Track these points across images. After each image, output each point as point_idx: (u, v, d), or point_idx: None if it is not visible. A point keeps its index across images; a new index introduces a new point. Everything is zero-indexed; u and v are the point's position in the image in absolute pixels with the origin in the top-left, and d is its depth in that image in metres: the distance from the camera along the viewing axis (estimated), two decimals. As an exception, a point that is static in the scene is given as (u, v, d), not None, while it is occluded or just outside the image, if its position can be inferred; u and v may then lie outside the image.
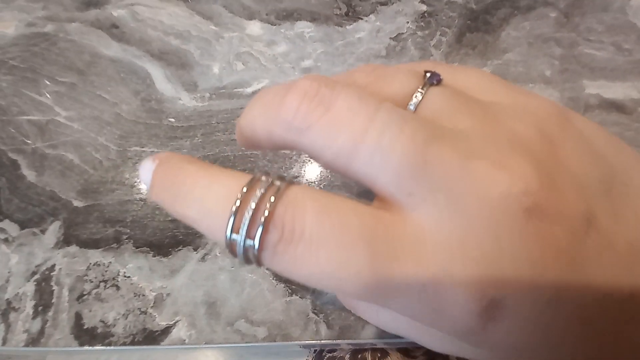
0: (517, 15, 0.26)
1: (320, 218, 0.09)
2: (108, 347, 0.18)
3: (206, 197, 0.10)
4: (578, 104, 0.23)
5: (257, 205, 0.09)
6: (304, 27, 0.27)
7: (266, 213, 0.09)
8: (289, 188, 0.10)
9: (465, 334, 0.10)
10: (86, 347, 0.18)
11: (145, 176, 0.11)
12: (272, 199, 0.09)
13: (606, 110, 0.23)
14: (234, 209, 0.09)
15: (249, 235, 0.09)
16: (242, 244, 0.09)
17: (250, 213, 0.09)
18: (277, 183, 0.10)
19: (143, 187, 0.23)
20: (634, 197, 0.11)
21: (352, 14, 0.27)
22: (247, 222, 0.09)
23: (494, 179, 0.09)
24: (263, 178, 0.10)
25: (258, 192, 0.09)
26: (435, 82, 0.12)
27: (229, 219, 0.09)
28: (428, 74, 0.12)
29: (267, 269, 0.20)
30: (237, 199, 0.09)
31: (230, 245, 0.10)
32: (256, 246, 0.09)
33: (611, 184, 0.10)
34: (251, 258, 0.10)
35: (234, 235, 0.10)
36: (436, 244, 0.09)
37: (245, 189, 0.10)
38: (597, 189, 0.10)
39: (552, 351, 0.10)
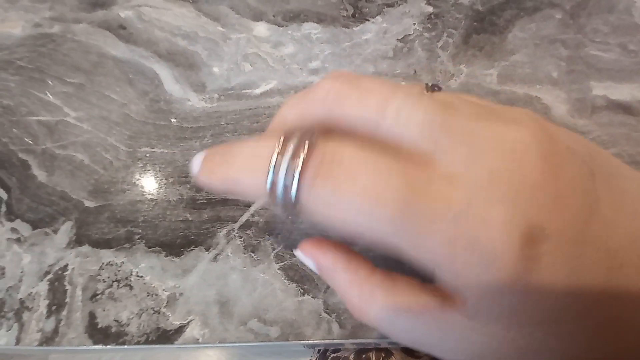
0: (523, 17, 0.26)
1: (357, 153, 0.10)
2: (123, 347, 0.18)
3: (251, 151, 0.11)
4: (585, 105, 0.23)
5: (298, 143, 0.10)
6: (311, 28, 0.27)
7: (307, 147, 0.10)
8: (324, 136, 0.11)
9: (505, 276, 0.09)
10: (100, 346, 0.18)
11: (196, 164, 0.13)
12: (309, 142, 0.10)
13: (613, 111, 0.23)
14: (277, 150, 0.11)
15: (290, 168, 0.10)
16: (283, 176, 0.10)
17: (292, 148, 0.10)
18: (314, 134, 0.11)
19: (154, 187, 0.23)
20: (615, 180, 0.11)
21: (359, 16, 0.27)
22: (289, 154, 0.10)
23: (508, 129, 0.10)
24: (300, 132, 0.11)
25: (297, 137, 0.11)
26: (436, 89, 0.13)
27: (271, 158, 0.11)
28: (429, 84, 0.13)
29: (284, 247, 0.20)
30: (277, 146, 0.11)
31: (272, 186, 0.11)
32: (297, 174, 0.10)
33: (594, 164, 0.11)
34: (291, 195, 0.10)
35: (275, 176, 0.10)
36: (466, 183, 0.10)
37: (282, 139, 0.11)
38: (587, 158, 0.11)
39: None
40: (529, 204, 0.10)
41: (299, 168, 0.10)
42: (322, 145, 0.10)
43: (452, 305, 0.11)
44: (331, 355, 0.34)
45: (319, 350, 0.37)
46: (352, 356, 0.32)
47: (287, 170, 0.10)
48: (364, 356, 0.31)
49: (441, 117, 0.10)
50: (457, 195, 0.10)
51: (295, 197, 0.10)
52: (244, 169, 0.11)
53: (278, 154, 0.11)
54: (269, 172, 0.10)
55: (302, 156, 0.10)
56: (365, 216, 0.10)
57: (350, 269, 0.13)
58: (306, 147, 0.10)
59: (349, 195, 0.10)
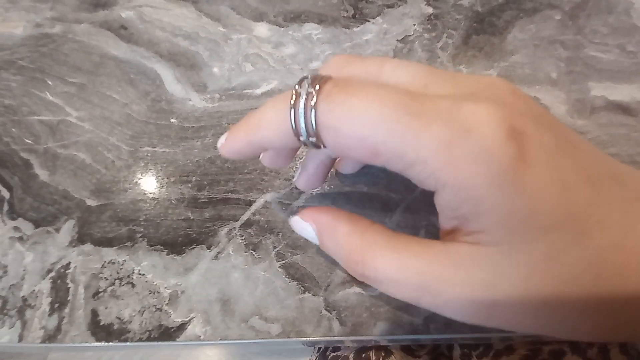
0: (523, 18, 0.26)
1: (364, 81, 0.12)
2: (125, 344, 0.18)
3: (270, 101, 0.13)
4: (584, 105, 0.23)
5: (313, 79, 0.12)
6: (312, 29, 0.27)
7: (321, 80, 0.12)
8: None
9: (498, 164, 0.10)
10: (103, 343, 0.19)
11: (222, 139, 0.15)
12: (322, 77, 0.12)
13: (612, 112, 0.23)
14: (294, 90, 0.12)
15: (309, 95, 0.12)
16: (302, 103, 0.12)
17: (309, 81, 0.12)
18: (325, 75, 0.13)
19: (156, 186, 0.23)
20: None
21: (359, 16, 0.28)
22: (306, 86, 0.12)
23: (484, 76, 0.13)
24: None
25: (311, 76, 0.12)
26: None
27: (292, 94, 0.12)
28: None
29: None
30: (294, 88, 0.12)
31: (294, 116, 0.12)
32: (314, 95, 0.12)
33: None
34: (311, 119, 0.12)
35: (296, 106, 0.12)
36: (455, 96, 0.12)
37: (297, 82, 0.12)
38: None
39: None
40: (510, 111, 0.11)
41: (316, 91, 0.12)
42: (334, 78, 0.12)
43: (455, 237, 0.11)
44: (331, 355, 0.34)
45: (319, 349, 0.37)
46: (352, 355, 0.32)
47: (305, 97, 0.12)
48: (363, 355, 0.31)
49: (429, 70, 0.13)
50: (448, 102, 0.11)
51: (315, 117, 0.12)
52: (265, 112, 0.13)
53: (295, 91, 0.12)
54: (290, 106, 0.12)
55: (317, 85, 0.12)
56: (374, 121, 0.11)
57: (351, 221, 0.13)
58: (320, 80, 0.12)
59: (360, 104, 0.11)
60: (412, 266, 0.11)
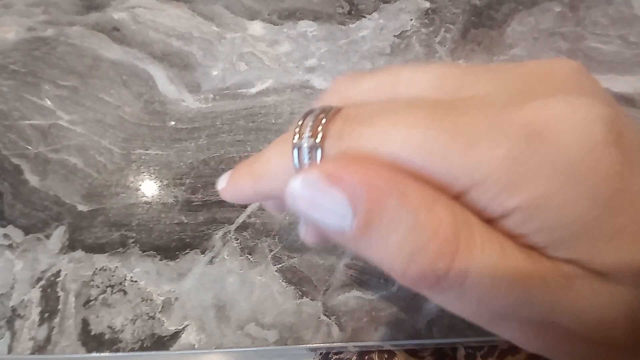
0: (522, 10, 0.26)
1: (386, 109, 0.09)
2: (117, 354, 0.18)
3: (275, 142, 0.11)
4: (587, 98, 0.23)
5: (319, 112, 0.10)
6: (307, 26, 0.27)
7: (328, 112, 0.10)
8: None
9: (603, 175, 0.08)
10: (94, 354, 0.18)
11: (223, 180, 0.12)
12: (329, 110, 0.10)
13: (616, 103, 0.22)
14: (298, 124, 0.10)
15: (314, 129, 0.10)
16: (307, 136, 0.10)
17: (314, 114, 0.10)
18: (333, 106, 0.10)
19: (148, 189, 0.22)
20: None
21: (355, 12, 0.27)
22: (312, 118, 0.10)
23: (520, 63, 0.11)
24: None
25: (316, 109, 0.10)
26: None
27: (294, 132, 0.10)
28: None
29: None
30: (298, 123, 0.10)
31: (298, 149, 0.10)
32: (320, 130, 0.09)
33: None
34: (314, 151, 0.10)
35: (299, 143, 0.10)
36: (505, 95, 0.09)
37: (302, 117, 0.10)
38: None
39: None
40: (591, 102, 0.08)
41: (322, 130, 0.09)
42: (342, 108, 0.10)
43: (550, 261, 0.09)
44: (334, 357, 0.33)
45: (322, 353, 0.36)
46: (354, 358, 0.31)
47: (310, 136, 0.10)
48: (366, 357, 0.30)
49: (457, 69, 0.10)
50: (500, 103, 0.09)
51: (321, 150, 0.10)
52: (269, 159, 0.11)
53: (299, 129, 0.10)
54: (293, 144, 0.10)
55: (323, 119, 0.10)
56: (404, 151, 0.09)
57: (426, 187, 0.10)
58: (327, 113, 0.10)
59: (380, 134, 0.09)
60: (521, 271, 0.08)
